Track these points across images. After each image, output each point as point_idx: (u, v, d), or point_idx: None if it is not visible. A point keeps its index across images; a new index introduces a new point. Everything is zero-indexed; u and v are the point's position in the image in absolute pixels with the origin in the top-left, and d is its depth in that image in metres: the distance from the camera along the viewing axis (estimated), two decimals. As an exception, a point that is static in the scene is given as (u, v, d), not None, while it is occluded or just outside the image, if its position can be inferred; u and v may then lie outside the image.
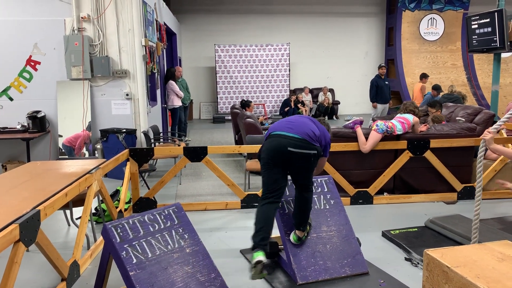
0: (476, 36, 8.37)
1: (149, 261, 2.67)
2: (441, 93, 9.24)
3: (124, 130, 6.48)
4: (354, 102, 15.37)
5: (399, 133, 5.14)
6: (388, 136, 5.10)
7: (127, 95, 6.74)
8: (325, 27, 15.00)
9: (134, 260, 2.62)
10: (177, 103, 9.07)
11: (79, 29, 6.52)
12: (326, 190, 3.76)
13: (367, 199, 5.16)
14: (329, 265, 3.34)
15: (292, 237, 3.38)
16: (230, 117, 10.21)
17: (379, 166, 5.20)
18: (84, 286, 3.28)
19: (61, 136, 6.63)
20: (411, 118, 5.27)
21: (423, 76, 10.69)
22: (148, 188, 5.26)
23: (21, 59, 6.61)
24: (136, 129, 6.70)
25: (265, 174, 3.29)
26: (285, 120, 3.48)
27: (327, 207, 3.67)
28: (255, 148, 5.11)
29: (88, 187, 3.72)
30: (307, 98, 14.09)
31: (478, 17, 8.26)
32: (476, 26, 8.33)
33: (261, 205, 3.26)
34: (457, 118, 5.48)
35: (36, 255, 3.71)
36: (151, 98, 7.74)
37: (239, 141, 7.75)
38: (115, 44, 6.65)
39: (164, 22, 9.60)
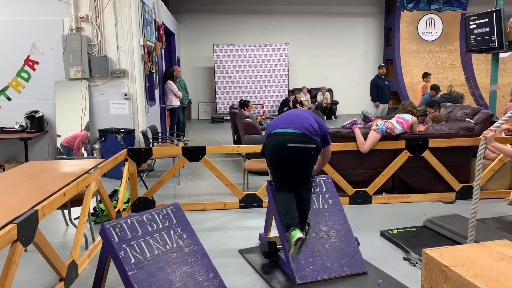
0: (474, 36, 8.38)
1: (147, 261, 2.66)
2: (440, 93, 9.25)
3: (123, 130, 6.47)
4: (352, 102, 15.38)
5: (398, 133, 5.15)
6: (387, 136, 5.11)
7: (125, 95, 6.73)
8: (324, 27, 15.01)
9: (133, 260, 2.61)
10: (176, 103, 9.07)
11: (77, 29, 6.51)
12: (324, 189, 3.76)
13: (365, 199, 5.17)
14: (328, 264, 3.34)
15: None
16: (228, 117, 10.22)
17: (378, 166, 5.21)
18: (83, 286, 3.28)
19: (59, 136, 6.61)
20: (409, 118, 5.27)
21: (425, 75, 10.71)
22: (147, 188, 5.26)
23: (19, 59, 6.59)
24: (134, 129, 6.70)
25: (273, 171, 3.45)
26: (283, 116, 3.49)
27: (326, 206, 3.67)
28: (254, 148, 5.11)
29: (86, 187, 3.71)
30: (305, 98, 14.10)
31: (476, 17, 8.27)
32: (474, 26, 8.34)
33: (279, 194, 3.42)
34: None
35: (34, 255, 3.71)
36: (150, 98, 7.73)
37: (237, 141, 7.75)
38: (114, 44, 6.64)
39: (163, 22, 9.59)
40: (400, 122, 5.20)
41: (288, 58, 14.11)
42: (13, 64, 6.58)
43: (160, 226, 2.89)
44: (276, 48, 13.99)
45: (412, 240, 3.98)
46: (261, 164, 5.82)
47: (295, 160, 3.29)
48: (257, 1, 14.61)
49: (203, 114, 15.06)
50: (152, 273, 2.63)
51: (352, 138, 5.13)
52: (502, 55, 10.42)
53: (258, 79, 14.10)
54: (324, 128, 3.49)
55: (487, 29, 7.90)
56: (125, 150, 4.89)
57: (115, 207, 4.55)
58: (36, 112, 6.52)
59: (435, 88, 9.32)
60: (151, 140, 7.01)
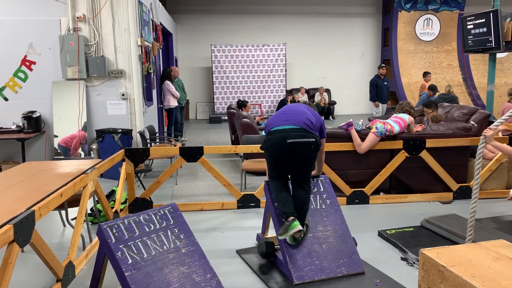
0: (471, 37, 8.40)
1: (144, 262, 2.66)
2: (437, 93, 9.27)
3: (120, 130, 6.46)
4: (350, 103, 15.40)
5: (396, 133, 5.15)
6: (385, 137, 5.11)
7: (122, 95, 6.72)
8: (322, 27, 15.01)
9: (130, 261, 2.61)
10: (173, 103, 9.06)
11: (74, 29, 6.50)
12: (322, 190, 3.76)
13: (363, 199, 5.17)
14: (325, 265, 3.34)
15: (288, 237, 3.37)
16: (226, 117, 10.21)
17: (375, 166, 5.21)
18: (80, 287, 3.27)
19: (56, 136, 6.60)
20: (406, 117, 5.28)
21: (425, 75, 10.73)
22: (144, 189, 5.25)
23: (16, 59, 6.58)
24: (132, 129, 6.68)
25: (272, 165, 3.48)
26: (281, 113, 3.50)
27: (323, 207, 3.67)
28: (251, 148, 5.11)
29: (83, 188, 3.70)
30: (303, 98, 14.09)
31: (473, 17, 8.29)
32: (471, 26, 8.36)
33: (275, 183, 3.46)
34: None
35: (31, 256, 3.70)
36: (147, 98, 7.72)
37: (235, 141, 7.74)
38: (111, 44, 6.63)
39: (160, 22, 9.58)
40: (397, 122, 5.21)
41: (286, 58, 14.11)
42: (10, 64, 6.57)
43: (158, 227, 2.88)
44: (274, 48, 13.99)
45: (410, 240, 3.99)
46: (259, 164, 5.82)
47: (295, 157, 3.31)
48: (255, 1, 14.60)
49: (201, 114, 15.05)
50: (149, 273, 2.62)
51: (349, 138, 5.13)
52: (499, 55, 10.45)
53: (256, 79, 14.10)
54: (319, 120, 3.53)
55: (484, 29, 7.92)
56: (122, 151, 4.88)
57: (112, 208, 4.54)
58: (33, 112, 6.50)
59: (433, 88, 9.34)
60: (148, 141, 7.00)
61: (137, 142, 6.77)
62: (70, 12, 6.45)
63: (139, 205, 4.94)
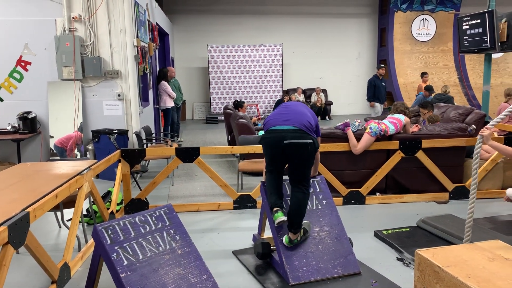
0: (467, 37, 8.43)
1: (140, 263, 2.65)
2: (433, 94, 9.30)
3: (116, 131, 6.44)
4: (346, 103, 15.43)
5: (391, 133, 5.16)
6: (381, 137, 5.12)
7: (118, 95, 6.70)
8: (318, 28, 15.03)
9: (125, 262, 2.60)
10: (170, 103, 9.04)
11: (70, 29, 6.47)
12: (318, 190, 3.76)
13: (359, 199, 5.17)
14: (321, 265, 3.34)
15: (284, 239, 3.37)
16: (223, 118, 10.20)
17: (371, 166, 5.22)
18: (75, 289, 3.26)
19: (52, 137, 6.57)
20: (402, 118, 5.29)
21: (422, 75, 10.76)
22: (140, 189, 5.24)
23: (11, 60, 6.55)
24: (128, 130, 6.67)
25: (268, 160, 3.51)
26: (281, 112, 3.48)
27: (319, 207, 3.67)
28: (248, 149, 5.10)
29: (79, 189, 3.69)
30: (300, 98, 14.10)
31: (469, 18, 8.32)
32: (467, 27, 8.38)
33: (268, 176, 3.52)
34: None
35: (26, 257, 3.68)
36: (143, 98, 7.70)
37: (232, 142, 7.74)
38: (107, 45, 6.61)
39: (157, 23, 9.57)
40: (393, 122, 5.22)
41: (282, 59, 14.12)
42: (5, 65, 6.53)
43: (153, 228, 2.87)
44: (270, 48, 14.00)
45: (406, 241, 3.99)
46: (255, 165, 5.82)
47: (293, 157, 3.31)
48: (251, 2, 14.61)
49: (197, 115, 15.04)
50: (145, 275, 2.61)
51: (346, 138, 5.14)
52: (494, 55, 10.50)
53: (253, 79, 14.10)
54: (316, 119, 3.55)
55: (480, 29, 7.95)
56: (118, 151, 4.87)
57: (108, 209, 4.52)
58: (28, 113, 6.47)
59: (429, 89, 9.36)
60: (144, 141, 6.98)
61: (133, 142, 6.76)
62: (65, 12, 6.43)
63: (135, 206, 4.93)
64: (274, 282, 3.27)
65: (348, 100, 15.42)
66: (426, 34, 14.33)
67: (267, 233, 3.90)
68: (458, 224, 4.06)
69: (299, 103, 3.67)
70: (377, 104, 10.09)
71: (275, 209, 3.39)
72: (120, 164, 4.86)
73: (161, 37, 11.06)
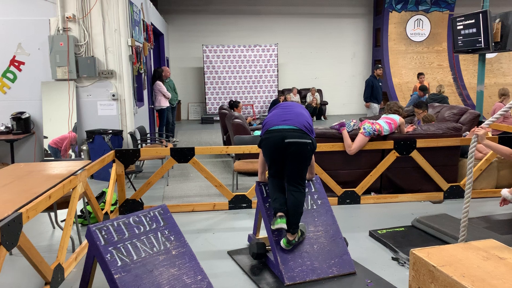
0: (461, 37, 8.47)
1: (134, 264, 2.63)
2: (427, 94, 9.33)
3: (110, 131, 6.42)
4: (341, 103, 15.46)
5: (386, 133, 5.17)
6: (375, 137, 5.13)
7: (113, 95, 6.67)
8: (313, 28, 15.05)
9: (119, 263, 2.58)
10: (165, 103, 9.02)
11: (64, 29, 6.44)
12: (313, 190, 3.76)
13: (354, 199, 5.18)
14: (317, 265, 3.34)
15: (282, 241, 3.36)
16: (218, 118, 10.18)
17: (366, 166, 5.22)
18: (69, 290, 3.23)
19: (46, 137, 6.53)
20: (397, 118, 5.30)
21: (419, 76, 10.78)
22: (135, 190, 5.21)
23: (4, 59, 6.50)
24: (122, 130, 6.64)
25: (269, 163, 3.50)
26: (280, 112, 3.49)
27: (314, 207, 3.67)
28: (243, 149, 5.09)
29: (73, 189, 3.66)
30: (295, 98, 14.12)
31: (463, 18, 8.35)
32: (461, 27, 8.42)
33: (271, 180, 3.51)
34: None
35: (19, 259, 3.65)
36: (138, 98, 7.67)
37: (227, 142, 7.73)
38: (101, 44, 6.58)
39: (151, 22, 9.54)
40: (388, 122, 5.22)
41: (277, 59, 14.12)
42: (-1, 65, 6.50)
43: (147, 229, 2.86)
44: (265, 48, 13.99)
45: (401, 240, 4.00)
46: (251, 165, 5.81)
47: (292, 156, 3.32)
48: (246, 2, 14.60)
49: (192, 115, 15.01)
50: (139, 276, 2.60)
51: (341, 138, 5.14)
52: (488, 56, 10.56)
53: (248, 79, 14.09)
54: (311, 120, 3.57)
55: (474, 30, 7.99)
56: (112, 152, 4.84)
57: (102, 209, 4.50)
58: (22, 113, 6.43)
59: (423, 89, 9.39)
60: (139, 141, 6.96)
61: (127, 143, 6.73)
62: (59, 12, 6.39)
63: (129, 206, 4.91)
64: (269, 283, 3.27)
65: (343, 100, 15.45)
66: (420, 34, 14.38)
67: (262, 233, 3.89)
68: (453, 224, 4.08)
69: (296, 103, 3.69)
70: (374, 105, 10.10)
71: (279, 214, 3.34)
72: (114, 164, 4.84)
73: (156, 37, 11.03)
